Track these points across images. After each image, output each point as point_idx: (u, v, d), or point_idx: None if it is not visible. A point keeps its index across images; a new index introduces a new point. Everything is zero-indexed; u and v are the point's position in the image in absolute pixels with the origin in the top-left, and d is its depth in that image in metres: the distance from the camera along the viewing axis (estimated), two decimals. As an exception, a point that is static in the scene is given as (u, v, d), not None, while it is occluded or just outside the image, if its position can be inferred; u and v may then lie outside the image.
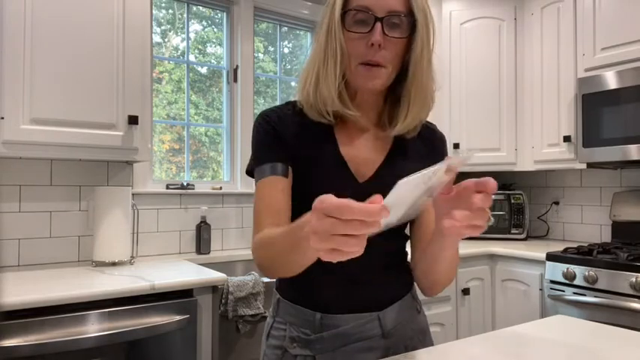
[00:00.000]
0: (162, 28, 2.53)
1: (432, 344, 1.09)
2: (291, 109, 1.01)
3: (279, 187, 0.94)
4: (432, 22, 0.94)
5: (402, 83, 0.96)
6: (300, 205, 0.91)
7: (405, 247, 1.05)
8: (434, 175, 0.65)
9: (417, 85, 0.93)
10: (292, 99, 1.04)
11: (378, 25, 0.88)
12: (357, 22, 0.90)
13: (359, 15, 0.89)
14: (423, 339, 1.05)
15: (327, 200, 0.59)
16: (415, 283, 1.07)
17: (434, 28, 0.94)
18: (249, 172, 1.01)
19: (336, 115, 0.96)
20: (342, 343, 0.95)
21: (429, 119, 1.07)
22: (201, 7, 2.64)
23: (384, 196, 0.63)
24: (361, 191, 0.85)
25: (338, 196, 0.65)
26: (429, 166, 0.76)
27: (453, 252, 0.85)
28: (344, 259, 0.61)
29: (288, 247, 0.76)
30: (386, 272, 0.99)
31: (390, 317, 0.99)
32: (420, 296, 1.08)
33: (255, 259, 0.91)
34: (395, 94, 0.98)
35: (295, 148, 0.96)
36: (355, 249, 0.59)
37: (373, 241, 0.68)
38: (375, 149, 0.98)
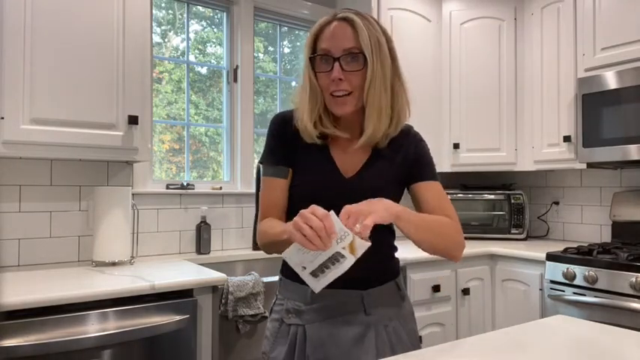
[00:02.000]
0: (163, 28, 2.53)
1: (416, 331, 1.22)
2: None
3: (278, 186, 1.20)
4: (388, 51, 1.13)
5: None
6: (300, 194, 1.18)
7: (392, 239, 1.24)
8: (345, 236, 0.92)
9: (370, 106, 1.13)
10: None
11: (337, 64, 1.10)
12: (322, 63, 1.13)
13: (322, 58, 1.13)
14: (404, 323, 1.20)
15: (320, 208, 0.93)
16: (401, 275, 1.26)
17: (392, 56, 1.14)
18: (261, 162, 1.26)
19: (323, 135, 1.18)
20: (328, 315, 1.13)
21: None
22: (201, 7, 2.64)
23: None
24: (347, 185, 1.16)
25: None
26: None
27: (412, 232, 1.05)
28: (306, 246, 0.91)
29: (279, 233, 1.07)
30: (373, 259, 1.09)
31: (373, 297, 1.15)
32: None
33: (259, 243, 1.18)
34: None
35: (295, 151, 1.19)
36: (315, 242, 0.90)
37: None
38: (358, 155, 1.20)
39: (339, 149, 1.20)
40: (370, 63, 1.10)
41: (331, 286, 1.00)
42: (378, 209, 0.97)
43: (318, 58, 1.13)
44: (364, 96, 1.13)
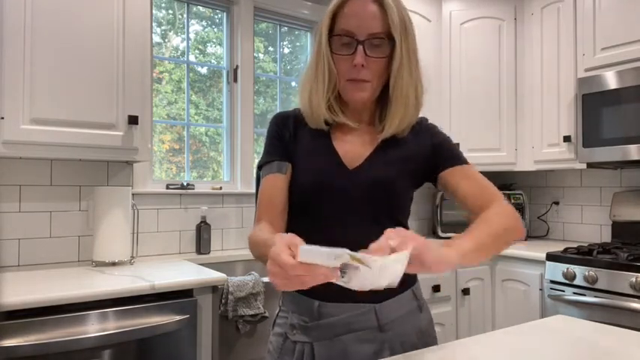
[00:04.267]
0: (163, 28, 2.53)
1: (435, 342, 1.10)
2: (296, 111, 1.14)
3: (277, 184, 1.07)
4: (413, 34, 1.04)
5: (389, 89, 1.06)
6: (300, 189, 1.07)
7: None
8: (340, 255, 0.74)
9: (397, 95, 1.03)
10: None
11: (360, 47, 0.99)
12: (343, 45, 1.01)
13: (343, 39, 1.01)
14: (422, 337, 1.07)
15: (280, 253, 0.74)
16: (418, 282, 1.14)
17: (414, 38, 1.04)
18: (260, 166, 1.15)
19: (329, 121, 1.08)
20: (339, 332, 1.01)
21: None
22: (201, 7, 2.64)
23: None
24: (350, 177, 1.04)
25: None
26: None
27: (480, 259, 0.93)
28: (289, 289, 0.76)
29: (264, 255, 0.89)
30: None
31: (387, 311, 1.02)
32: (425, 295, 1.10)
33: (249, 248, 1.05)
34: (384, 98, 1.08)
35: (295, 145, 1.10)
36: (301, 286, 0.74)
37: (374, 235, 0.82)
38: (366, 143, 1.09)
39: (341, 138, 1.09)
40: (399, 49, 1.00)
41: (341, 299, 0.93)
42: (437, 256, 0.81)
43: (337, 38, 1.01)
44: (391, 85, 1.03)
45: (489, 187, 1.07)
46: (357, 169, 1.05)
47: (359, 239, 0.87)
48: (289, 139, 1.10)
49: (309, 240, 0.91)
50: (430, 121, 1.17)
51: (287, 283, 0.75)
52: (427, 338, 1.09)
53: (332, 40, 1.02)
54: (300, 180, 1.07)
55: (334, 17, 1.03)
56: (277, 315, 1.12)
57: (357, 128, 1.09)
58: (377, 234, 1.00)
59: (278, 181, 1.07)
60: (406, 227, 1.09)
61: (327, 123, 1.08)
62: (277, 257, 0.74)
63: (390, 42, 1.00)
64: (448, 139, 1.14)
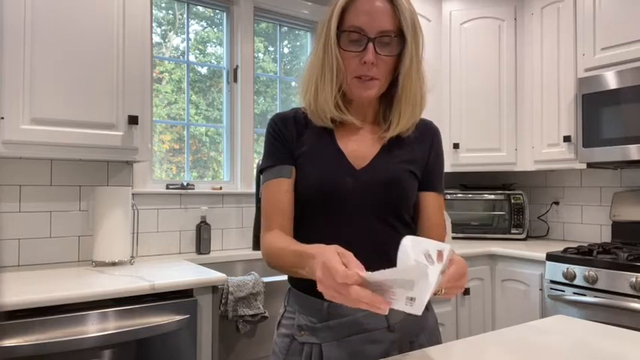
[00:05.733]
0: (163, 28, 2.53)
1: (440, 343, 1.10)
2: (295, 112, 1.12)
3: (283, 188, 1.05)
4: (421, 33, 1.03)
5: (395, 88, 1.06)
6: (304, 191, 1.04)
7: None
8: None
9: (407, 93, 1.03)
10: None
11: (370, 45, 0.97)
12: (352, 41, 0.99)
13: (352, 35, 0.99)
14: (429, 337, 1.07)
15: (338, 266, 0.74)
16: None
17: (422, 38, 1.04)
18: (260, 171, 1.12)
19: (334, 119, 1.06)
20: (348, 332, 0.99)
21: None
22: (201, 7, 2.64)
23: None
24: (358, 177, 1.03)
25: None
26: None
27: None
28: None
29: (294, 266, 0.91)
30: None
31: (396, 311, 1.00)
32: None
33: (265, 261, 1.03)
34: (389, 96, 1.07)
35: (298, 146, 1.07)
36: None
37: (382, 236, 0.86)
38: (371, 143, 1.07)
39: (346, 137, 1.07)
40: (409, 48, 1.00)
41: None
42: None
43: (345, 34, 0.99)
44: (400, 84, 1.03)
45: (443, 227, 1.13)
46: (364, 169, 1.04)
47: (365, 239, 0.89)
48: (292, 141, 1.07)
49: (312, 240, 0.91)
50: (435, 125, 1.17)
51: (335, 296, 0.75)
52: (433, 337, 1.09)
53: (340, 35, 1.00)
54: (306, 181, 1.05)
55: (342, 12, 1.00)
56: (283, 315, 1.10)
57: (361, 127, 1.08)
58: (383, 233, 1.01)
59: (283, 185, 1.05)
60: (411, 226, 1.10)
61: (332, 121, 1.06)
62: (328, 262, 0.75)
63: (399, 40, 1.00)
64: (442, 160, 1.15)
